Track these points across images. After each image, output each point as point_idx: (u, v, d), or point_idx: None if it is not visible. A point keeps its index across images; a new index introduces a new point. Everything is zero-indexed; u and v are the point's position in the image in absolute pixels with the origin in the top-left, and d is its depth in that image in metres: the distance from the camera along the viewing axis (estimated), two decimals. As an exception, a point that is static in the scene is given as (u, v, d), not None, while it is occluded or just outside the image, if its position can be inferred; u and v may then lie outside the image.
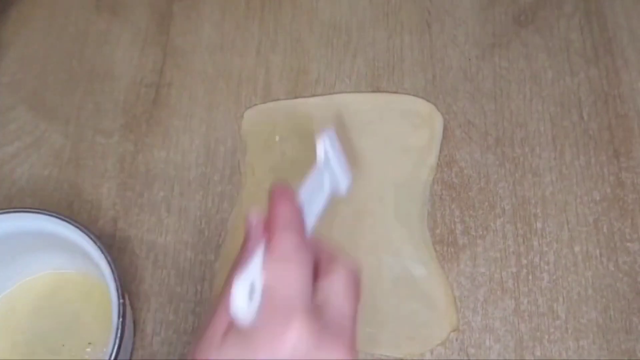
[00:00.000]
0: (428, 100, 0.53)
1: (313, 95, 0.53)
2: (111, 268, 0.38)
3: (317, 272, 0.30)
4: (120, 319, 0.37)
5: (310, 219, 0.33)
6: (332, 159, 0.38)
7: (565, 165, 0.51)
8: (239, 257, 0.31)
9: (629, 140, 0.51)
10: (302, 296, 0.28)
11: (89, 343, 0.44)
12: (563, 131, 0.52)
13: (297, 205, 0.31)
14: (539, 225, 0.48)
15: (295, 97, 0.53)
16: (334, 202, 0.49)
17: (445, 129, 0.52)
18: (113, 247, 0.48)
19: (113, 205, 0.49)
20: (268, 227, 0.30)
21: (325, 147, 0.38)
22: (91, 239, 0.39)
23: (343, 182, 0.38)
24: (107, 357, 0.37)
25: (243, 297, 0.27)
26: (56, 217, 0.40)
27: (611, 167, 0.50)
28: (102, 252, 0.39)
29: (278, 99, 0.53)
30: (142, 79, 0.54)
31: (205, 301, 0.46)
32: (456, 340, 0.45)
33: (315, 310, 0.28)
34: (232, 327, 0.28)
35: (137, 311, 0.46)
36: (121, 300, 0.38)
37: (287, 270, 0.28)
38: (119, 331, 0.37)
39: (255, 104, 0.53)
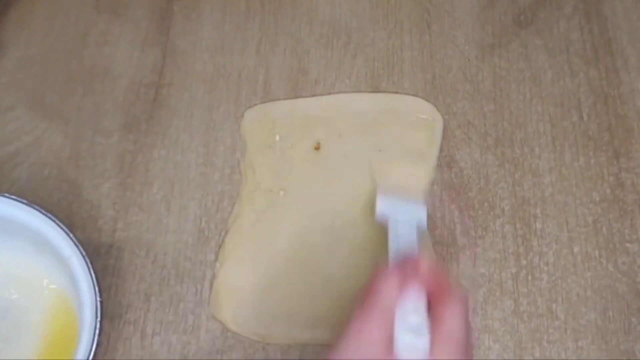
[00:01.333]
0: (428, 101, 0.53)
1: (313, 95, 0.53)
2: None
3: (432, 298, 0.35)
4: (99, 319, 0.38)
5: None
6: (397, 206, 0.45)
7: (565, 166, 0.51)
8: (375, 299, 0.35)
9: (629, 141, 0.51)
10: (469, 339, 0.34)
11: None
12: (563, 132, 0.52)
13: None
14: (538, 225, 0.49)
15: (295, 97, 0.53)
16: (333, 205, 0.49)
17: (444, 129, 0.52)
18: (113, 246, 0.48)
19: (113, 205, 0.49)
20: (432, 284, 0.35)
21: (385, 204, 0.45)
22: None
23: (422, 215, 0.45)
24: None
25: (409, 338, 0.33)
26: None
27: (611, 167, 0.50)
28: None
29: (278, 99, 0.53)
30: (142, 78, 0.54)
31: (205, 301, 0.47)
32: (455, 340, 0.45)
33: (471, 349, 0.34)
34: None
35: (137, 311, 0.46)
36: (99, 299, 0.39)
37: (460, 319, 0.34)
38: (97, 330, 0.38)
39: (255, 104, 0.53)
